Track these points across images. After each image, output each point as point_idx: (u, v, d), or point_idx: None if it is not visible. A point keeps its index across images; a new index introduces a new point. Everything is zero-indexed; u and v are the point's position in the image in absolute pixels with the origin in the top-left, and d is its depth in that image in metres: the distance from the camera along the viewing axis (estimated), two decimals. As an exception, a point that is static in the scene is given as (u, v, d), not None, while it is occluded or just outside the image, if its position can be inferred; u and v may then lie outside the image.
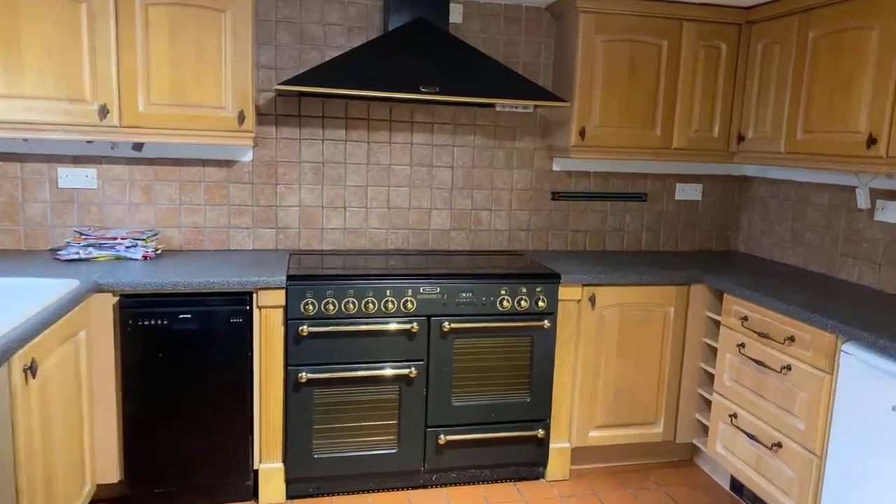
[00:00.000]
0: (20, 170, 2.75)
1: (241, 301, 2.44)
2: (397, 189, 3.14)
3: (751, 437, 2.54)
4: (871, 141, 2.32)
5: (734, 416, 2.65)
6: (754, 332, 2.53)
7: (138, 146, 2.82)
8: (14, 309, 1.79)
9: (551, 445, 2.83)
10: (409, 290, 2.58)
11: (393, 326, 2.57)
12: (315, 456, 2.58)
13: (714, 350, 2.86)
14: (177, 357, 2.41)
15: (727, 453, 2.70)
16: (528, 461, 2.82)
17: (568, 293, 2.75)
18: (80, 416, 2.23)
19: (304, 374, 2.50)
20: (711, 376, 2.89)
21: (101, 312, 2.34)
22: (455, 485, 2.77)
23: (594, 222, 3.38)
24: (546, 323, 2.70)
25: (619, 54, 2.92)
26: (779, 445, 2.40)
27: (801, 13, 2.66)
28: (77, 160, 2.80)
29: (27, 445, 1.78)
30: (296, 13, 2.92)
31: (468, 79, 2.68)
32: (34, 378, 1.80)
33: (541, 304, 2.70)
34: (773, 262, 3.20)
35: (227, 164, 2.95)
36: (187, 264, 2.63)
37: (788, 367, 2.36)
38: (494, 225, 3.27)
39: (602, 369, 2.85)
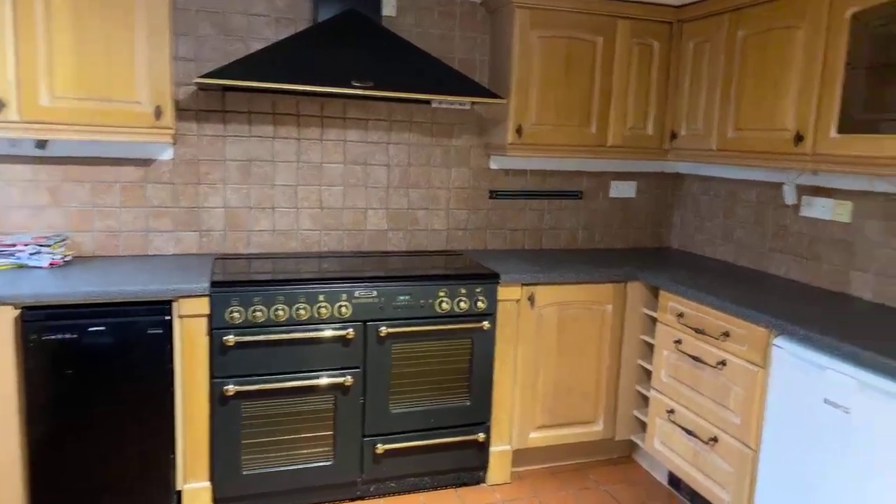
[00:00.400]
0: None
1: (160, 311, 2.27)
2: (330, 188, 3.01)
3: (688, 432, 2.56)
4: (798, 138, 2.37)
5: (671, 411, 2.66)
6: (690, 328, 2.55)
7: (42, 143, 2.59)
8: None
9: (492, 449, 2.78)
10: (344, 295, 2.46)
11: (327, 333, 2.45)
12: (244, 472, 2.43)
13: (651, 347, 2.88)
14: (89, 373, 2.21)
15: (665, 449, 2.72)
16: (468, 466, 2.76)
17: (507, 293, 2.70)
18: (-25, 442, 2.01)
19: (230, 386, 2.35)
20: (649, 373, 2.91)
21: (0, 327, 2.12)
22: (394, 494, 2.68)
23: (532, 221, 3.35)
24: (486, 324, 2.64)
25: (555, 51, 2.89)
26: (715, 440, 2.42)
27: (731, 12, 2.70)
28: (-29, 159, 2.54)
29: None
30: (218, 2, 2.75)
31: (403, 74, 2.59)
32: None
33: (480, 304, 2.64)
34: (705, 258, 3.26)
35: (145, 162, 2.75)
36: (100, 272, 2.43)
37: (724, 363, 2.38)
38: (432, 225, 3.19)
39: (542, 369, 2.82)
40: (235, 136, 2.85)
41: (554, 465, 3.00)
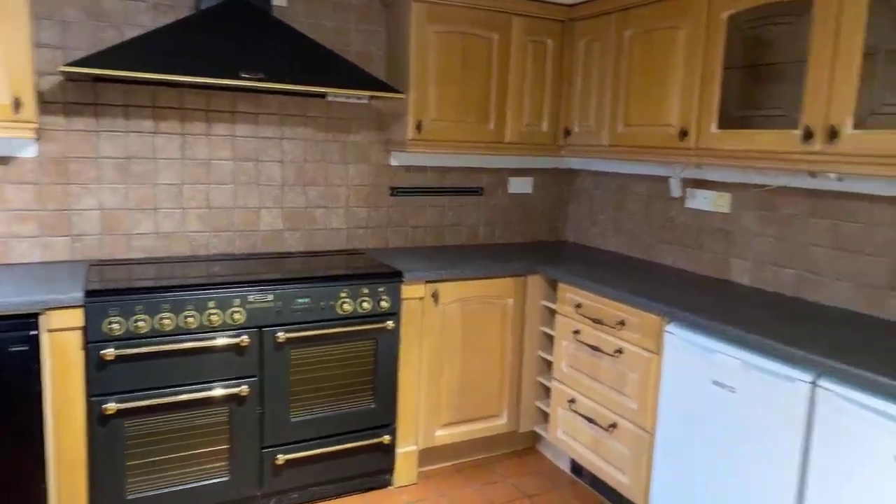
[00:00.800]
0: None
1: (25, 325, 2.03)
2: (219, 187, 2.83)
3: (588, 420, 2.63)
4: (683, 133, 2.49)
5: (572, 401, 2.73)
6: (588, 318, 2.62)
7: None
8: None
9: (398, 450, 2.73)
10: (237, 300, 2.32)
11: (220, 341, 2.29)
12: (129, 497, 2.23)
13: (552, 338, 2.94)
14: (-63, 399, 1.94)
15: (567, 438, 2.78)
16: (375, 470, 2.69)
17: (411, 291, 2.66)
18: None
19: (111, 404, 2.14)
20: (551, 364, 2.97)
21: None
22: (298, 505, 2.57)
23: (433, 217, 3.33)
24: (390, 324, 2.58)
25: (452, 46, 2.87)
26: (614, 426, 2.51)
27: (618, 12, 2.80)
28: None
29: None
30: (85, -16, 2.51)
31: (296, 66, 2.47)
32: None
33: (384, 304, 2.58)
34: (599, 251, 3.37)
35: (3, 160, 2.46)
36: (-51, 283, 2.15)
37: (620, 351, 2.46)
38: (331, 223, 3.09)
39: (447, 366, 2.81)
40: (110, 131, 2.61)
41: (461, 461, 3.00)
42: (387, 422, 2.67)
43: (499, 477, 2.88)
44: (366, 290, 2.55)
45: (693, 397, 2.15)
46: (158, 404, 2.22)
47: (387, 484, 2.75)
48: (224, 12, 2.47)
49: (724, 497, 2.04)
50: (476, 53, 2.93)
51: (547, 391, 3.01)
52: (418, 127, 2.85)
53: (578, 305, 2.68)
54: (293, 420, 2.47)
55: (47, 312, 2.06)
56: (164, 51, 2.27)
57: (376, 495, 2.69)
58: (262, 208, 2.93)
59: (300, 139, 2.96)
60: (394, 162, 3.18)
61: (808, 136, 2.02)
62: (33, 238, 2.53)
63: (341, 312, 2.51)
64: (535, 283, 2.94)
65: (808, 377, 1.79)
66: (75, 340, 2.11)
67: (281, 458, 2.45)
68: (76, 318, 2.10)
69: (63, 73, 2.31)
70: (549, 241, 3.64)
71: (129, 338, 2.16)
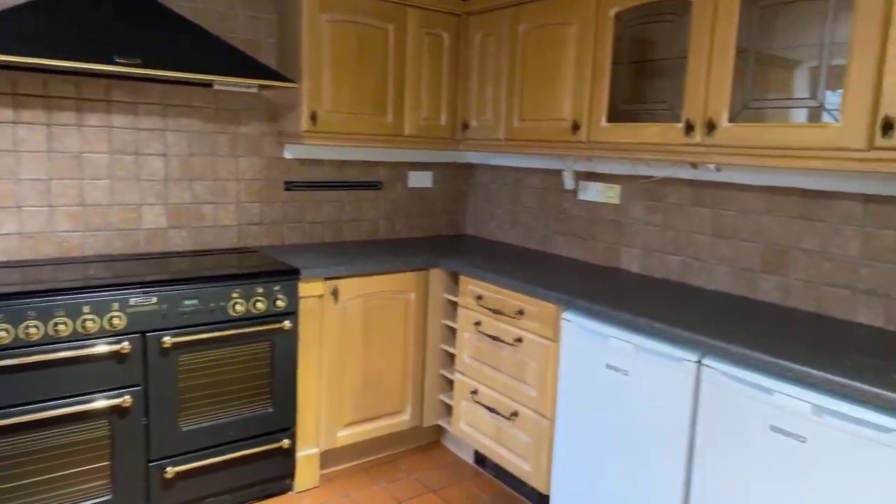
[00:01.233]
0: None
1: None
2: (94, 182, 2.61)
3: (491, 410, 2.65)
4: (575, 127, 2.56)
5: (475, 392, 2.75)
6: (488, 309, 2.65)
7: None
8: None
9: (298, 454, 2.64)
10: (116, 304, 2.14)
11: (97, 349, 2.10)
12: (-6, 527, 2.01)
13: (454, 331, 2.95)
14: None
15: (470, 429, 2.80)
16: (274, 475, 2.58)
17: (309, 289, 2.56)
18: None
19: (-33, 425, 1.92)
20: (453, 357, 2.97)
21: None
22: (192, 520, 2.41)
23: (331, 213, 3.24)
24: (287, 323, 2.48)
25: (346, 36, 2.80)
26: (515, 414, 2.54)
27: (512, 7, 2.84)
28: None
29: None
30: (-77, -48, 2.22)
31: (178, 52, 2.31)
32: None
33: (280, 303, 2.47)
34: (498, 243, 3.42)
35: None
36: None
37: (520, 340, 2.50)
38: (221, 220, 2.93)
39: (348, 365, 2.74)
40: (-40, 119, 2.33)
41: (365, 460, 2.94)
42: (286, 425, 2.57)
43: (403, 473, 2.85)
44: (260, 290, 2.43)
45: (589, 382, 2.22)
46: (22, 422, 2.01)
47: (288, 489, 2.65)
48: (93, -9, 2.27)
49: (622, 477, 2.12)
50: (372, 44, 2.87)
51: (450, 384, 3.02)
52: (313, 118, 2.75)
53: (479, 297, 2.70)
54: (184, 429, 2.32)
55: None
56: (23, 31, 2.05)
57: (277, 501, 2.58)
58: (143, 205, 2.72)
59: (185, 131, 2.78)
60: (288, 155, 3.06)
61: (689, 128, 2.14)
62: None
63: (233, 314, 2.38)
64: (436, 276, 2.93)
65: (693, 357, 1.89)
66: (-80, 356, 1.87)
67: (171, 471, 2.29)
68: (-80, 330, 1.85)
69: None
70: (450, 235, 3.65)
71: (-12, 350, 1.94)
